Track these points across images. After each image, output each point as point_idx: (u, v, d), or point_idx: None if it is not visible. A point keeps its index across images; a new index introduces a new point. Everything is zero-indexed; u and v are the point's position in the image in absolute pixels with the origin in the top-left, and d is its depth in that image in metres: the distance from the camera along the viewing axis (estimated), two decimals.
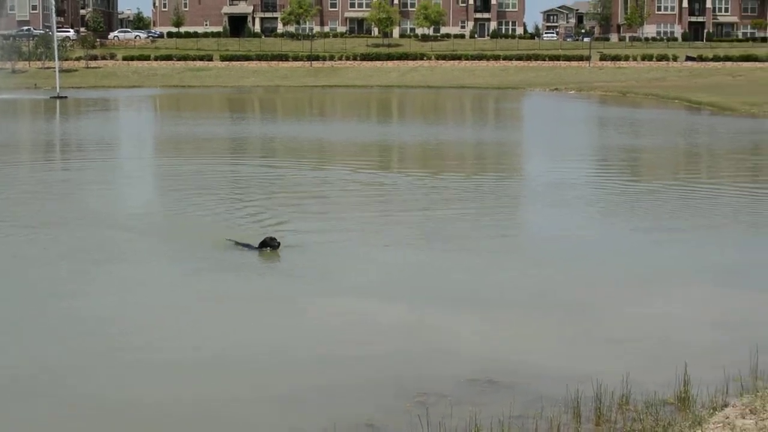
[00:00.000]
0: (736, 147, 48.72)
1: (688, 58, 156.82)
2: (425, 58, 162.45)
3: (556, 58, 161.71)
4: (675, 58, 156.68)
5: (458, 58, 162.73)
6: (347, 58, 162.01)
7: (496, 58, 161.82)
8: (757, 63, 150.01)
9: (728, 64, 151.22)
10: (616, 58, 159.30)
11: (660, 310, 16.10)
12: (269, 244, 19.49)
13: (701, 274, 18.82)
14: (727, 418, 10.00)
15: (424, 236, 22.44)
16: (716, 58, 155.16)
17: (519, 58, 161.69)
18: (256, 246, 19.66)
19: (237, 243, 20.28)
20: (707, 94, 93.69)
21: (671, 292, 17.36)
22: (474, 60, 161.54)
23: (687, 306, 16.46)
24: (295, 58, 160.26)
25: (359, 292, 17.18)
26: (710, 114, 75.87)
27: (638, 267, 19.46)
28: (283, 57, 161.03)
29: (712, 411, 10.48)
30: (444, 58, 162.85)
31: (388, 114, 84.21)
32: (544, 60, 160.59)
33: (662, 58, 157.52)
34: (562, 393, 11.49)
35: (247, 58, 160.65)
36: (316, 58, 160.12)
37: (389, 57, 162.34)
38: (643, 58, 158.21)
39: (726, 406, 10.59)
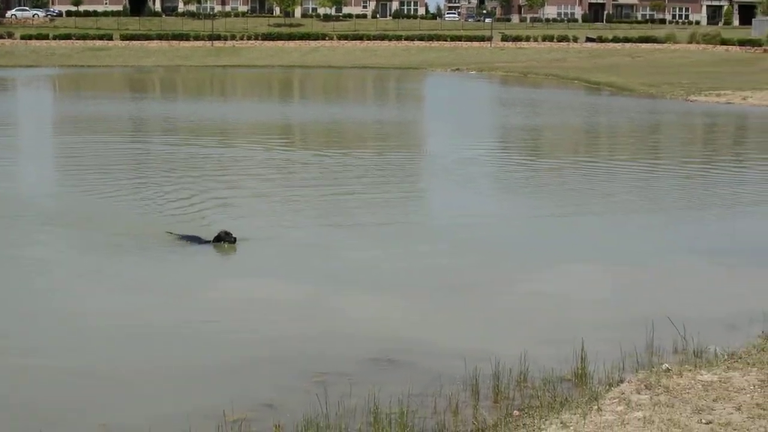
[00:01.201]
0: (635, 126, 49.33)
1: (588, 39, 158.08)
2: (327, 39, 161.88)
3: (458, 38, 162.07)
4: (575, 39, 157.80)
5: (360, 38, 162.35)
6: (249, 38, 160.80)
7: (398, 38, 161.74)
8: (655, 44, 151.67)
9: (627, 45, 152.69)
10: (517, 38, 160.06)
11: (557, 288, 16.27)
12: (224, 239, 18.54)
13: (598, 253, 19.04)
14: (623, 393, 10.12)
15: (326, 216, 22.42)
16: (616, 40, 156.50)
17: (421, 38, 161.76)
18: (207, 240, 18.75)
19: (181, 237, 19.20)
20: (607, 75, 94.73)
21: (569, 270, 17.53)
22: (376, 40, 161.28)
23: (584, 284, 16.64)
24: (197, 38, 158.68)
25: (260, 272, 17.14)
26: (610, 94, 76.67)
27: (537, 246, 19.66)
28: (184, 36, 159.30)
29: (608, 387, 10.60)
30: (346, 38, 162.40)
31: (291, 94, 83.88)
32: (446, 40, 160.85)
33: (563, 39, 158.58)
34: (461, 371, 11.55)
35: (147, 37, 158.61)
36: (218, 37, 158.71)
37: (291, 37, 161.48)
38: (544, 39, 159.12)
39: (622, 381, 10.72)
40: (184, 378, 12.01)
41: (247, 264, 17.78)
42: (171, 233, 19.49)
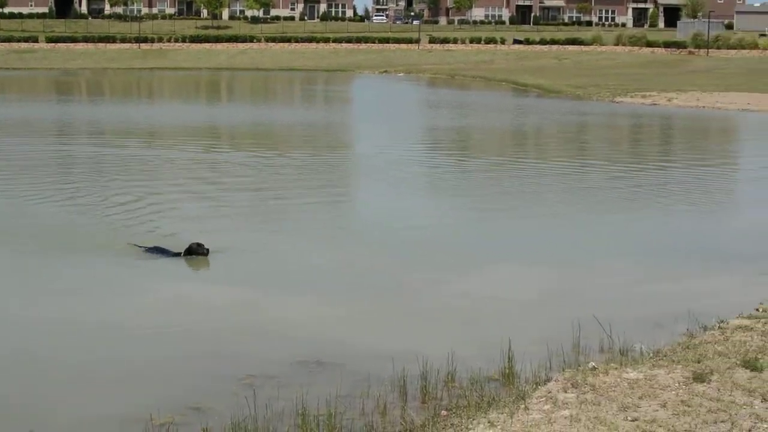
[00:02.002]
0: (562, 128, 49.68)
1: (516, 42, 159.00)
2: (255, 41, 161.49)
3: (386, 40, 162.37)
4: (503, 41, 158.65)
5: (288, 40, 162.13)
6: (176, 41, 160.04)
7: (326, 40, 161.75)
8: (582, 46, 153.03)
9: (554, 47, 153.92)
10: (444, 41, 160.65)
11: (485, 289, 16.33)
12: (196, 251, 17.66)
13: (525, 253, 19.13)
14: (550, 392, 10.17)
15: (255, 217, 22.34)
16: (543, 42, 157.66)
17: (349, 40, 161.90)
18: (175, 252, 17.85)
19: (147, 249, 18.23)
20: (534, 77, 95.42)
21: (496, 271, 17.61)
22: (304, 42, 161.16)
23: (511, 285, 16.72)
24: (123, 40, 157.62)
25: (187, 276, 17.03)
26: (537, 96, 77.21)
27: (465, 247, 19.72)
28: (110, 39, 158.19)
29: (535, 386, 10.64)
30: (274, 40, 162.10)
31: (218, 96, 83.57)
32: (374, 42, 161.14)
33: (490, 41, 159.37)
34: (389, 372, 11.56)
35: (73, 40, 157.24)
36: (145, 40, 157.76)
37: (218, 39, 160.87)
38: (472, 41, 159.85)
39: (549, 380, 10.77)
40: (111, 382, 11.90)
41: (175, 268, 17.63)
42: (136, 245, 18.67)
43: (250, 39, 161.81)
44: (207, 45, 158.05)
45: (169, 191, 25.96)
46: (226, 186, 27.40)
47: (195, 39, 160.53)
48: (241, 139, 43.56)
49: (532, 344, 12.54)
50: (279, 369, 12.09)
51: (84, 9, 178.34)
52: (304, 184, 27.71)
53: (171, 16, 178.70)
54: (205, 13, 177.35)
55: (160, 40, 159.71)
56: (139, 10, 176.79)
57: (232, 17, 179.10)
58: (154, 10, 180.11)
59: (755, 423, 9.16)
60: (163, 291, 16.18)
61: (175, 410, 10.75)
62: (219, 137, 44.85)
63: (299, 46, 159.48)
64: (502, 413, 9.64)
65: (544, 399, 9.97)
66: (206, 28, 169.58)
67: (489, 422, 9.39)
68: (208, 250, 17.76)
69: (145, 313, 14.88)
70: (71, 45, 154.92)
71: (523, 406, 9.79)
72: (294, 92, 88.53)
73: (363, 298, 15.69)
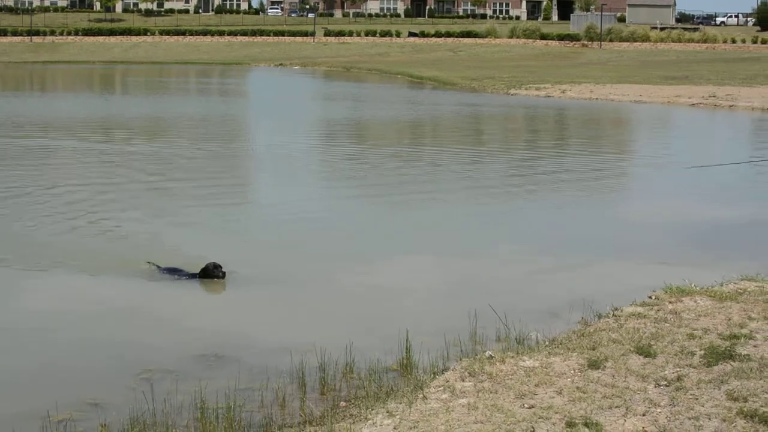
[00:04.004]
0: (457, 119, 49.98)
1: (411, 34, 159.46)
2: (149, 34, 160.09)
3: (281, 33, 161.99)
4: (398, 34, 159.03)
5: (183, 33, 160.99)
6: (69, 34, 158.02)
7: (221, 33, 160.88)
8: (477, 39, 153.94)
9: (449, 40, 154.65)
10: (340, 33, 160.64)
11: (382, 280, 16.38)
12: (212, 274, 15.83)
13: (423, 244, 19.22)
14: (448, 381, 10.24)
15: (147, 208, 22.13)
16: (438, 34, 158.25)
17: (244, 33, 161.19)
18: (191, 273, 16.14)
19: (163, 270, 16.55)
20: (429, 69, 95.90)
21: (394, 261, 17.66)
22: (199, 35, 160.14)
23: (409, 275, 16.78)
24: (14, 33, 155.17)
25: (81, 271, 16.82)
26: (432, 88, 77.57)
27: (362, 238, 19.79)
28: (1, 32, 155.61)
29: (433, 375, 10.71)
30: (168, 33, 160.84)
31: (112, 89, 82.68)
32: (269, 35, 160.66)
33: (385, 34, 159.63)
34: (288, 364, 11.55)
35: None
36: (37, 33, 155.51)
37: (112, 32, 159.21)
38: (367, 34, 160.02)
39: (446, 370, 10.84)
40: (6, 379, 11.73)
41: (65, 260, 17.41)
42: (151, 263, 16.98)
43: (144, 32, 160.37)
44: (100, 38, 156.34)
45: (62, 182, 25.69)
46: (118, 177, 27.15)
47: (88, 32, 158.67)
48: (133, 132, 43.05)
49: (429, 334, 12.60)
50: (177, 363, 12.02)
51: None
52: (198, 177, 27.54)
53: (63, 9, 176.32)
54: (98, 5, 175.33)
55: (53, 33, 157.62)
56: (31, 3, 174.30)
57: (125, 10, 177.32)
58: (46, 3, 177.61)
59: (649, 407, 9.32)
60: (56, 289, 15.97)
61: (73, 406, 10.63)
62: (111, 130, 44.32)
63: (194, 39, 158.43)
64: (401, 403, 9.68)
65: (441, 388, 10.04)
66: (99, 21, 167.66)
67: (388, 412, 9.43)
68: (224, 273, 15.85)
69: (39, 312, 14.68)
70: None
71: (421, 395, 9.84)
72: (189, 85, 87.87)
73: (261, 290, 15.63)
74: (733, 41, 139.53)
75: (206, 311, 14.64)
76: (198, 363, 12.08)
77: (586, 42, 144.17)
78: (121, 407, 10.50)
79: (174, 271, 16.36)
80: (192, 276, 16.02)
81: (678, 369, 10.41)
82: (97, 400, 10.86)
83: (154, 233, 19.77)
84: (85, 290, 15.78)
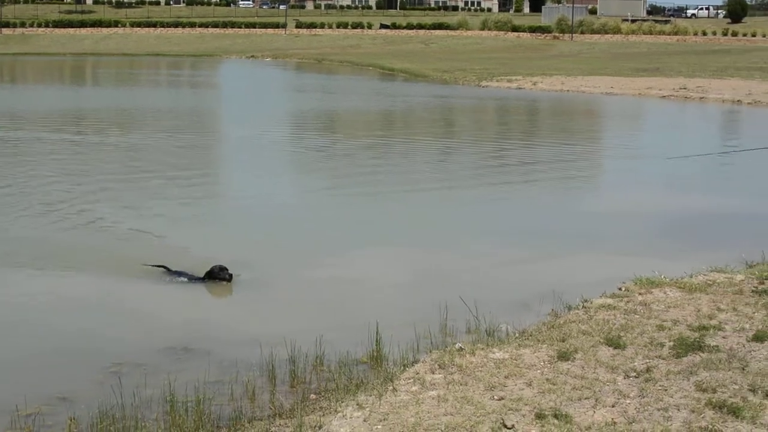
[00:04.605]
0: (429, 110, 50.01)
1: (383, 26, 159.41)
2: (120, 26, 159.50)
3: (253, 25, 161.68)
4: (370, 26, 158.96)
5: (154, 25, 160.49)
6: (39, 25, 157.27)
7: (192, 25, 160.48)
8: (449, 31, 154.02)
9: (421, 32, 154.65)
10: (311, 25, 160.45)
11: (353, 272, 16.37)
12: (218, 276, 15.30)
13: (394, 236, 19.22)
14: (418, 373, 10.23)
15: (116, 201, 22.04)
16: (410, 26, 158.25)
17: (215, 25, 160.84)
18: (199, 277, 15.55)
19: (167, 270, 16.02)
20: (401, 61, 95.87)
21: (364, 254, 17.66)
22: (170, 27, 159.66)
23: (379, 268, 16.78)
24: None
25: (49, 264, 16.74)
26: (404, 80, 77.59)
27: (333, 230, 19.74)
28: None
29: (403, 368, 10.70)
30: (139, 25, 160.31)
31: (83, 81, 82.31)
32: (241, 27, 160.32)
33: (357, 26, 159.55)
34: (257, 357, 11.52)
35: None
36: (6, 24, 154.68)
37: (83, 24, 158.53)
38: (339, 26, 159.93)
39: (416, 362, 10.83)
40: None
41: (37, 255, 17.34)
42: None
43: (115, 24, 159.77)
44: (71, 30, 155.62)
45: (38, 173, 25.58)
46: (90, 167, 27.07)
47: (59, 24, 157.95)
48: (105, 123, 42.86)
49: (400, 327, 12.59)
50: (146, 356, 11.98)
51: None
52: (166, 169, 27.44)
53: (34, 1, 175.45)
54: None
55: (23, 25, 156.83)
56: None
57: (96, 2, 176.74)
58: None
59: (618, 399, 9.34)
60: (23, 283, 15.88)
61: (42, 400, 10.58)
62: (83, 121, 44.10)
63: (165, 31, 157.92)
64: (371, 395, 9.68)
65: (412, 380, 10.03)
66: (70, 12, 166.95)
67: (358, 404, 9.42)
68: (231, 275, 15.36)
69: (5, 305, 14.60)
70: None
71: (391, 387, 9.84)
72: (160, 77, 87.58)
73: (229, 283, 15.57)
74: (704, 33, 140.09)
75: (174, 304, 14.56)
76: (167, 356, 12.04)
77: (557, 34, 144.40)
78: (90, 401, 10.45)
79: (180, 274, 15.74)
80: (199, 279, 15.44)
81: (647, 360, 10.44)
82: (65, 394, 10.81)
83: (120, 224, 19.70)
84: (54, 284, 15.70)
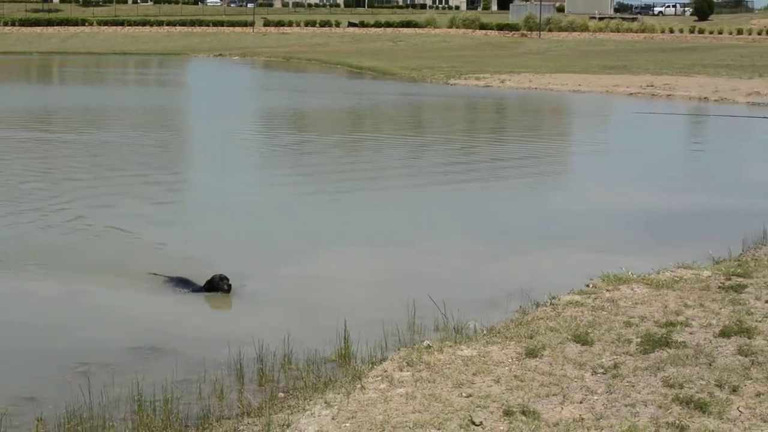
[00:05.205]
0: (397, 108, 50.04)
1: (351, 24, 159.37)
2: (87, 24, 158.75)
3: (220, 23, 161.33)
4: (338, 24, 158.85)
5: (121, 23, 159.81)
6: (5, 24, 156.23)
7: (160, 23, 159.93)
8: (417, 29, 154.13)
9: (389, 30, 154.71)
10: (279, 23, 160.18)
11: (321, 270, 16.35)
12: (218, 287, 14.71)
13: (363, 233, 19.23)
14: (386, 371, 10.23)
15: (83, 199, 21.95)
16: (378, 24, 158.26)
17: (183, 23, 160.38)
18: (199, 286, 15.00)
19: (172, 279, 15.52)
20: (369, 59, 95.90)
21: (333, 252, 17.64)
22: (137, 26, 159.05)
23: (348, 266, 16.77)
24: None
25: (18, 264, 16.66)
26: (372, 78, 77.57)
27: (301, 228, 19.73)
28: None
29: (371, 365, 10.70)
30: (106, 23, 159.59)
31: (50, 80, 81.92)
32: (208, 26, 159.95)
33: (325, 24, 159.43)
34: (225, 356, 11.50)
35: None
36: None
37: (50, 23, 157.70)
38: (307, 24, 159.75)
39: (384, 360, 10.83)
40: None
41: (3, 253, 17.25)
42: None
43: (82, 22, 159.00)
44: (38, 28, 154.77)
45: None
46: (57, 165, 26.95)
47: (25, 22, 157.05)
48: (70, 122, 42.64)
49: (368, 325, 12.58)
50: (113, 356, 11.92)
51: None
52: (133, 167, 27.36)
53: None
54: None
55: None
56: None
57: (63, 0, 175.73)
58: None
59: (586, 395, 9.37)
60: None
61: (8, 401, 10.51)
62: (49, 120, 43.91)
63: (132, 29, 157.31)
64: (339, 393, 9.68)
65: (380, 378, 10.03)
66: (36, 11, 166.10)
67: (326, 403, 9.42)
68: (230, 286, 14.75)
69: None
70: None
71: (359, 385, 9.84)
72: (128, 76, 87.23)
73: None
74: (671, 31, 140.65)
75: (141, 303, 14.51)
76: (134, 356, 11.99)
77: (525, 32, 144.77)
78: (57, 401, 10.40)
79: (183, 283, 15.21)
80: (199, 289, 14.93)
81: (615, 356, 10.48)
82: (32, 394, 10.75)
83: (87, 222, 19.63)
84: (20, 283, 15.61)
